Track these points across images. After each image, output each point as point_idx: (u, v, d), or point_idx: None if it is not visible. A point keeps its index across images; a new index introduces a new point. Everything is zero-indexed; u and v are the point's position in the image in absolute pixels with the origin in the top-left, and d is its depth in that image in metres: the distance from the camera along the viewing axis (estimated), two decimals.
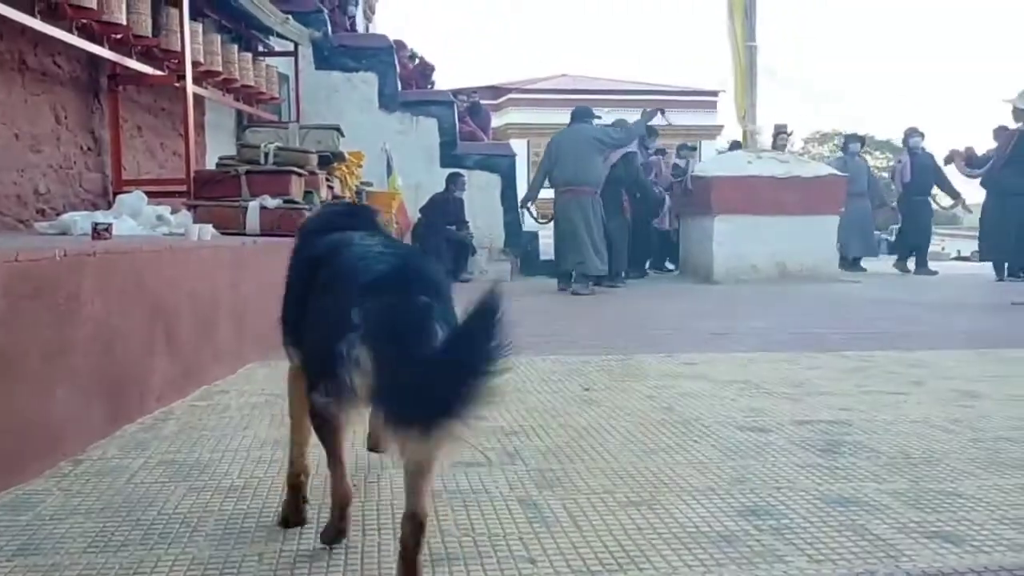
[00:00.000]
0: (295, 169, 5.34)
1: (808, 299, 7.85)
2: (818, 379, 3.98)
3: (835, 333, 5.58)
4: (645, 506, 2.23)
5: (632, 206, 9.75)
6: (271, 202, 5.06)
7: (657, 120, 9.79)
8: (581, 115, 8.88)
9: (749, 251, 9.44)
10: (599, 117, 9.23)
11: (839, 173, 10.48)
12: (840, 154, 13.26)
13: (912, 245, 11.87)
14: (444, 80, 14.50)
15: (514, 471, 2.53)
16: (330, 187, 6.05)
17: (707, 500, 2.28)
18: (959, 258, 19.17)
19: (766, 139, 12.25)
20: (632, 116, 9.52)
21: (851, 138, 12.73)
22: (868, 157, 13.38)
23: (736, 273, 9.40)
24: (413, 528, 1.64)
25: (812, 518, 2.14)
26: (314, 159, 5.73)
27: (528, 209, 9.88)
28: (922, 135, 11.47)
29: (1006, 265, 10.13)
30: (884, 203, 13.15)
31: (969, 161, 10.39)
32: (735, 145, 12.20)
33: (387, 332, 1.53)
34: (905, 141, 11.70)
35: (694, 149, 13.03)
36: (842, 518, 2.14)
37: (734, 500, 2.28)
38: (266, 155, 5.42)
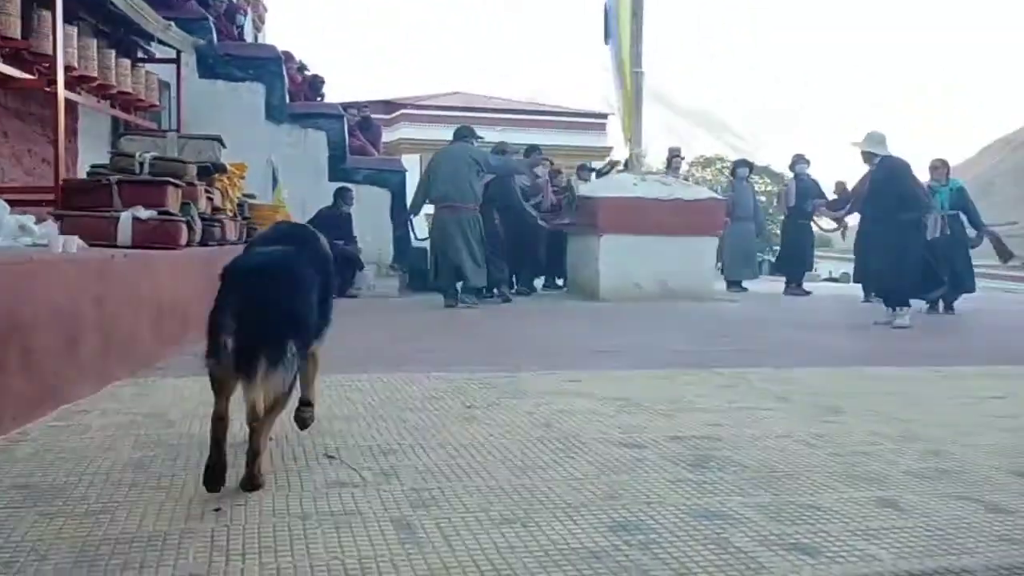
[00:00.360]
0: (172, 180, 5.15)
1: (688, 318, 8.08)
2: (693, 396, 4.09)
3: (711, 351, 5.76)
4: (519, 524, 2.24)
5: (504, 224, 9.81)
6: (144, 213, 4.86)
7: (541, 170, 10.22)
8: (462, 134, 9.10)
9: (633, 270, 9.65)
10: (481, 137, 9.44)
11: (719, 196, 10.87)
12: (730, 178, 13.69)
13: (791, 266, 12.33)
14: (335, 94, 14.30)
15: (389, 491, 2.49)
16: (210, 199, 5.86)
17: (579, 516, 2.31)
18: (830, 279, 20.09)
19: (653, 161, 12.60)
20: (524, 136, 9.71)
21: (740, 163, 13.22)
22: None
23: (621, 291, 9.59)
24: (257, 427, 2.46)
25: (679, 532, 2.20)
26: (193, 170, 5.54)
27: (411, 222, 9.92)
28: (807, 162, 12.00)
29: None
30: (762, 231, 13.65)
31: (831, 205, 10.87)
32: (586, 170, 12.63)
33: (247, 307, 2.38)
34: (792, 167, 12.20)
35: (593, 170, 13.29)
36: (707, 532, 2.21)
37: (605, 516, 2.32)
38: (141, 164, 5.21)
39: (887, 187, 7.57)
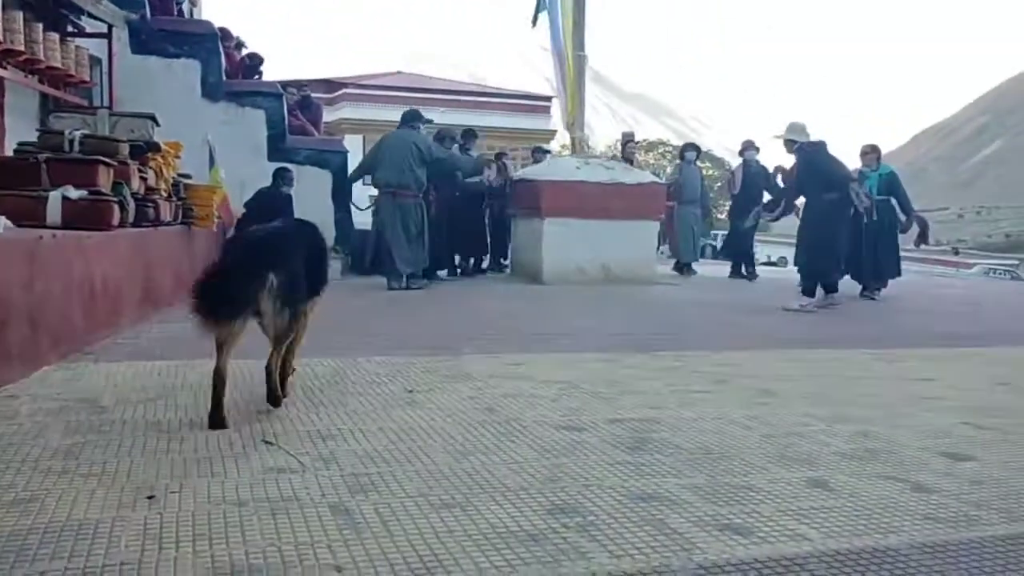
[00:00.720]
0: (103, 159, 4.99)
1: (630, 301, 8.15)
2: (633, 379, 4.14)
3: (652, 334, 5.83)
4: (458, 508, 2.25)
5: (444, 206, 9.79)
6: (74, 193, 4.71)
7: (488, 174, 10.47)
8: (408, 119, 9.10)
9: (576, 254, 9.69)
10: (430, 121, 9.50)
11: (660, 180, 10.94)
12: (678, 161, 13.57)
13: (738, 251, 12.35)
14: (277, 73, 14.01)
15: (328, 476, 2.48)
16: (143, 178, 5.69)
17: (519, 499, 2.33)
18: (768, 263, 20.49)
19: (598, 143, 12.56)
20: (467, 117, 9.67)
21: (688, 147, 13.16)
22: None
23: (564, 275, 9.62)
24: (268, 367, 3.19)
25: (616, 514, 2.23)
26: (125, 148, 5.38)
27: (351, 194, 10.13)
28: (757, 149, 12.01)
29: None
30: (708, 214, 13.73)
31: (768, 206, 10.94)
32: (538, 150, 12.67)
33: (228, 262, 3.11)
34: (741, 152, 12.21)
35: (548, 152, 13.24)
36: (644, 513, 2.24)
37: (544, 499, 2.34)
38: (71, 142, 5.04)
39: (808, 171, 7.78)
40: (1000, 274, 33.77)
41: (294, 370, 3.61)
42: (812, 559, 1.98)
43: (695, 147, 13.29)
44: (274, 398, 3.20)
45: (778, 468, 2.69)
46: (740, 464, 2.72)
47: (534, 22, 11.21)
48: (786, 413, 3.48)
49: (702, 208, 12.69)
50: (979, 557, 2.05)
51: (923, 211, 10.61)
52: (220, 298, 2.83)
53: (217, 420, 2.95)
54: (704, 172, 13.50)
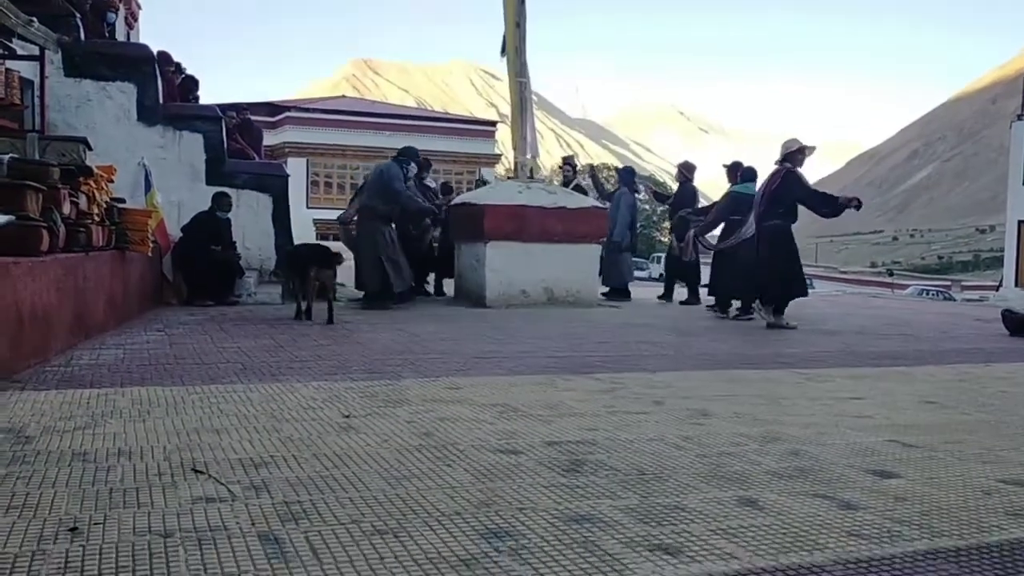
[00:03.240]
0: (32, 183, 4.88)
1: (570, 323, 8.22)
2: (571, 401, 4.17)
3: (591, 356, 5.87)
4: (391, 534, 2.23)
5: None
6: (2, 218, 4.59)
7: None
8: (400, 153, 9.77)
9: (519, 277, 9.76)
10: (417, 160, 9.95)
11: (601, 205, 11.07)
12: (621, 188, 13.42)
13: (679, 276, 12.32)
14: (217, 95, 13.89)
15: (258, 504, 2.44)
16: (75, 203, 5.58)
17: (452, 524, 2.32)
18: (706, 285, 20.72)
19: (542, 169, 12.57)
20: (411, 141, 9.76)
21: (622, 171, 13.33)
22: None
23: (507, 298, 9.68)
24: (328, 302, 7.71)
25: (549, 537, 2.23)
26: (55, 172, 5.27)
27: (344, 223, 10.39)
28: (681, 171, 12.17)
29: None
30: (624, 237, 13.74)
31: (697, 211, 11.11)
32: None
33: (312, 258, 7.75)
34: (677, 176, 12.35)
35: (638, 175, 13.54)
36: (577, 535, 2.25)
37: (478, 523, 2.33)
38: None
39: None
40: (933, 295, 34.85)
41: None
42: None
43: (629, 172, 13.45)
44: (332, 318, 7.45)
45: (709, 487, 2.73)
46: (673, 484, 2.75)
47: (503, 52, 11.25)
48: (719, 433, 3.53)
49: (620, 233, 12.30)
50: (900, 571, 2.10)
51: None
52: (322, 261, 7.48)
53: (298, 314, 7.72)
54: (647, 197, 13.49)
